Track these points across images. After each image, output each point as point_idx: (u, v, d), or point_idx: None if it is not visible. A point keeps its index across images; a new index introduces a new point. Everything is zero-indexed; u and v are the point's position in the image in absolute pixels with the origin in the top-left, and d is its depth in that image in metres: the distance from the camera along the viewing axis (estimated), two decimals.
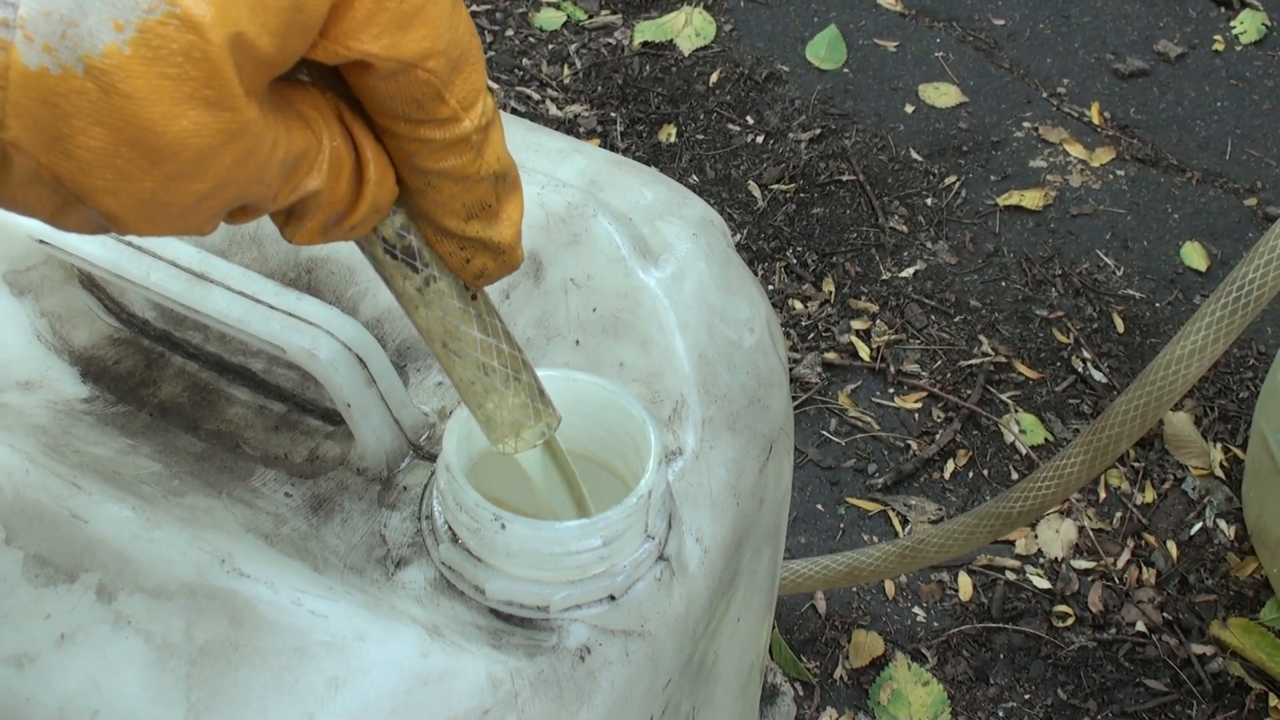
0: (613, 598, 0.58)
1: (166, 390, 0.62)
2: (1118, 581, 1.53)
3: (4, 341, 0.61)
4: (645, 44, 2.24)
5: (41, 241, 0.58)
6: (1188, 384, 1.04)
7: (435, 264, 0.46)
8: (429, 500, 0.59)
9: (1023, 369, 1.76)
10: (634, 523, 0.57)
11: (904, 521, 1.59)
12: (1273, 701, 1.42)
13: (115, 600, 0.51)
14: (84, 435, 0.58)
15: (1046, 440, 1.68)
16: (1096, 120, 2.14)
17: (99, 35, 0.31)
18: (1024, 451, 1.66)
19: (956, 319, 1.82)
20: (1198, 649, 1.47)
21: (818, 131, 2.09)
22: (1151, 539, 1.57)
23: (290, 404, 0.63)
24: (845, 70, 2.22)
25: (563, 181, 0.65)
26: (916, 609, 1.51)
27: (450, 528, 0.57)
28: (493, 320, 0.49)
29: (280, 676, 0.51)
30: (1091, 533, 1.58)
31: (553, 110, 2.12)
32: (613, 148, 2.03)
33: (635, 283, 0.63)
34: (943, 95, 2.17)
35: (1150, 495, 1.62)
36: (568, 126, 2.08)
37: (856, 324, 1.81)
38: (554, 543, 0.55)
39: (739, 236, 1.93)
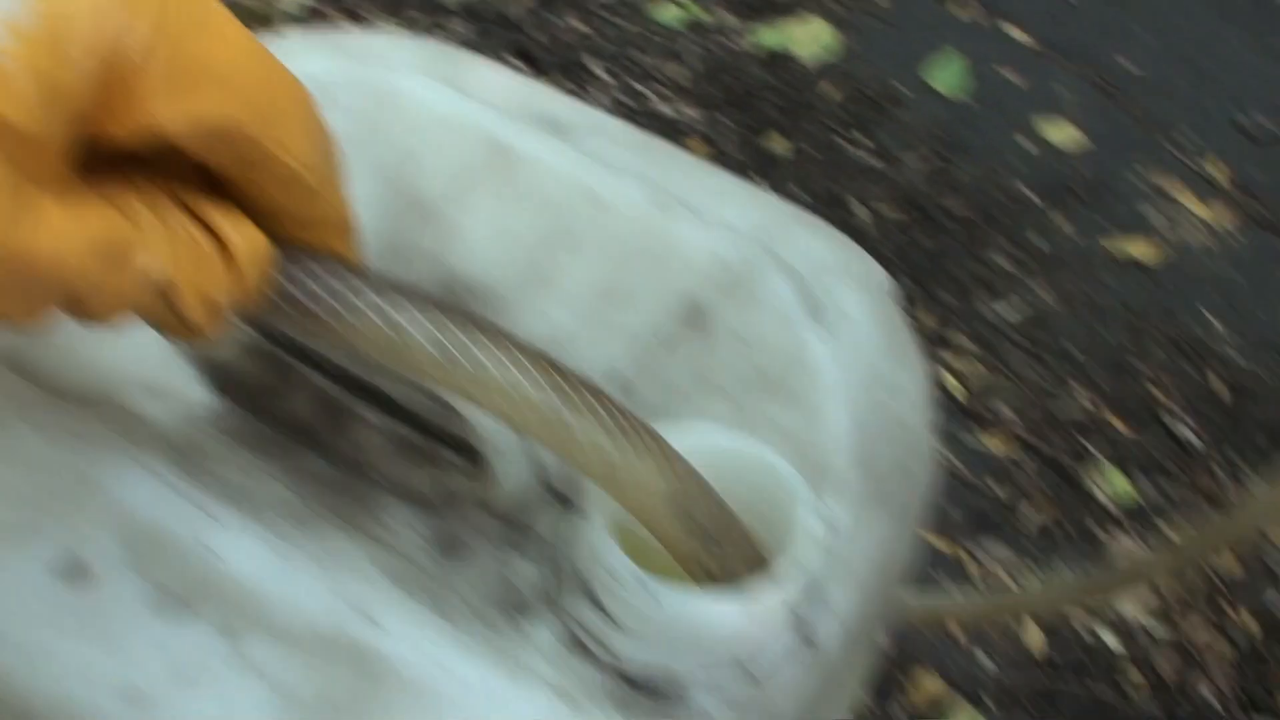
0: (751, 676, 0.55)
1: (296, 405, 0.59)
2: (1192, 650, 1.50)
3: (134, 342, 0.59)
4: (764, 50, 2.20)
5: None
6: None
7: None
8: (565, 551, 0.56)
9: (1114, 422, 1.72)
10: (782, 601, 0.54)
11: (976, 564, 1.56)
12: None
13: (240, 641, 0.49)
14: (212, 451, 0.56)
15: (1129, 496, 1.64)
16: (1218, 177, 2.09)
17: None
18: (1106, 505, 1.63)
19: (1052, 364, 1.78)
20: None
21: (932, 158, 2.05)
22: (1229, 609, 1.54)
23: (421, 431, 0.61)
24: (966, 99, 2.17)
25: (733, 227, 0.62)
26: (982, 655, 1.48)
27: (587, 584, 0.54)
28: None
29: None
30: (1170, 598, 1.55)
31: (662, 108, 2.09)
32: (721, 153, 1.99)
33: (801, 342, 0.60)
34: (1063, 134, 2.12)
35: (1233, 565, 1.59)
36: (675, 126, 2.05)
37: (950, 358, 1.77)
38: (698, 614, 0.52)
39: None
